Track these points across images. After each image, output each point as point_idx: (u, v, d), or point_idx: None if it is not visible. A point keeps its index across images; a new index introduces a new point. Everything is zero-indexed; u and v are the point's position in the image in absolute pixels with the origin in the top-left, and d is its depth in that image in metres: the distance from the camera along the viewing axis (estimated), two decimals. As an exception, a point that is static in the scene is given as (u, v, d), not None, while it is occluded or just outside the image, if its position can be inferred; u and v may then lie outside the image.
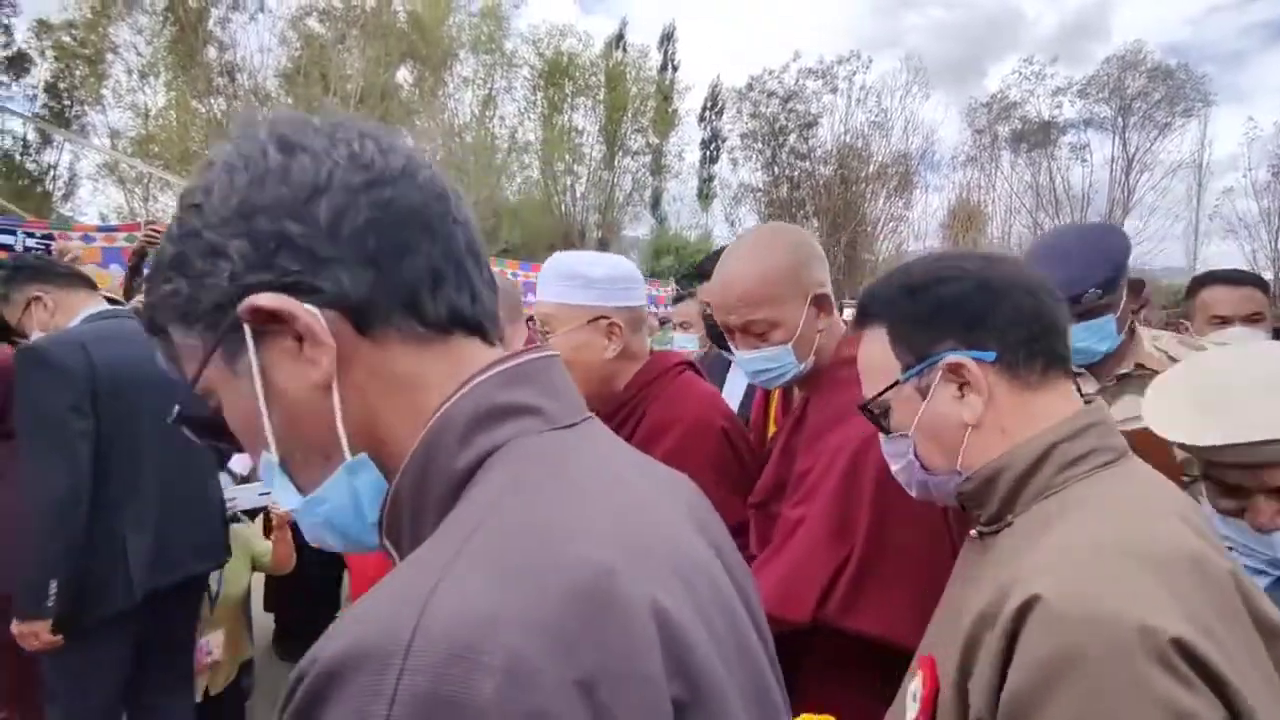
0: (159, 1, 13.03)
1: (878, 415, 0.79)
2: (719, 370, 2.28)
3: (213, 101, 13.08)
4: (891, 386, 0.75)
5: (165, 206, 13.77)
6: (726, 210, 20.01)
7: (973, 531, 0.76)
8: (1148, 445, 0.82)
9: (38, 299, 1.83)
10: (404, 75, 14.58)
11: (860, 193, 18.06)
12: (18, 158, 14.65)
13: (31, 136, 14.03)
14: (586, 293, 1.23)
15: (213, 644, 2.05)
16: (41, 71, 14.35)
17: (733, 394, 2.15)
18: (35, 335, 1.81)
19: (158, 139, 13.50)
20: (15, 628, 1.54)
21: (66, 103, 14.54)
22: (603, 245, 17.99)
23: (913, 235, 19.82)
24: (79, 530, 1.55)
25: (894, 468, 0.81)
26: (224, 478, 2.54)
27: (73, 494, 1.55)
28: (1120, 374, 1.31)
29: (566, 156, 17.75)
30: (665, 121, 19.38)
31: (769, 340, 1.11)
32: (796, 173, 18.39)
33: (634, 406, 1.28)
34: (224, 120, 12.73)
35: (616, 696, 0.29)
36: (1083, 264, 1.23)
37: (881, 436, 0.82)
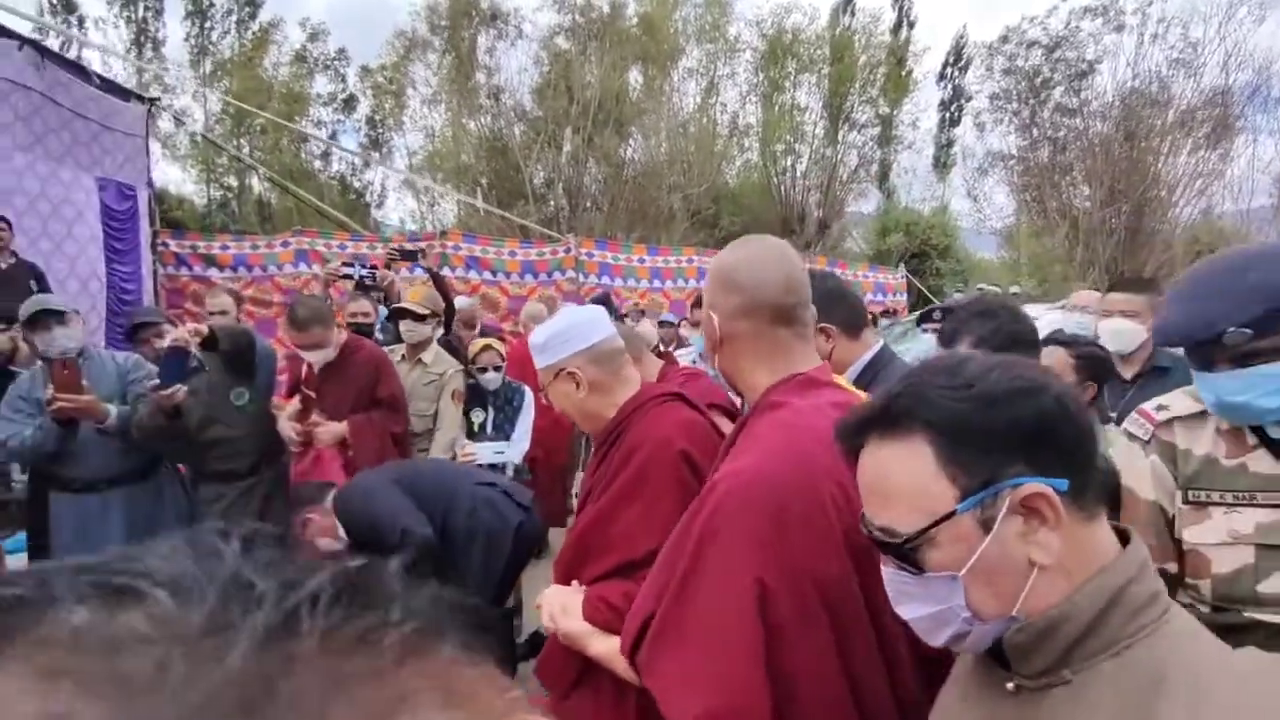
0: (442, 41, 15.57)
1: (905, 550, 0.64)
2: None
3: (481, 119, 15.40)
4: (946, 518, 0.61)
5: (446, 210, 16.55)
6: (969, 183, 17.81)
7: (1010, 684, 0.64)
8: None
9: (308, 520, 2.35)
10: (634, 77, 15.54)
11: (1151, 148, 14.72)
12: (348, 178, 18.65)
13: (358, 161, 17.79)
14: (541, 357, 1.43)
15: None
16: (363, 108, 18.14)
17: None
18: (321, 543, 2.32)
19: (440, 154, 16.22)
20: None
21: (380, 130, 18.22)
22: (823, 226, 17.30)
23: (1230, 195, 15.66)
24: None
25: (912, 612, 0.67)
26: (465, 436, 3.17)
27: None
28: None
29: (787, 136, 17.33)
30: (898, 88, 17.85)
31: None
32: (1062, 132, 15.57)
33: (618, 434, 1.38)
34: (490, 136, 14.92)
35: None
36: (1222, 297, 1.02)
37: (894, 572, 0.67)
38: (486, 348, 3.22)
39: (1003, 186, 16.86)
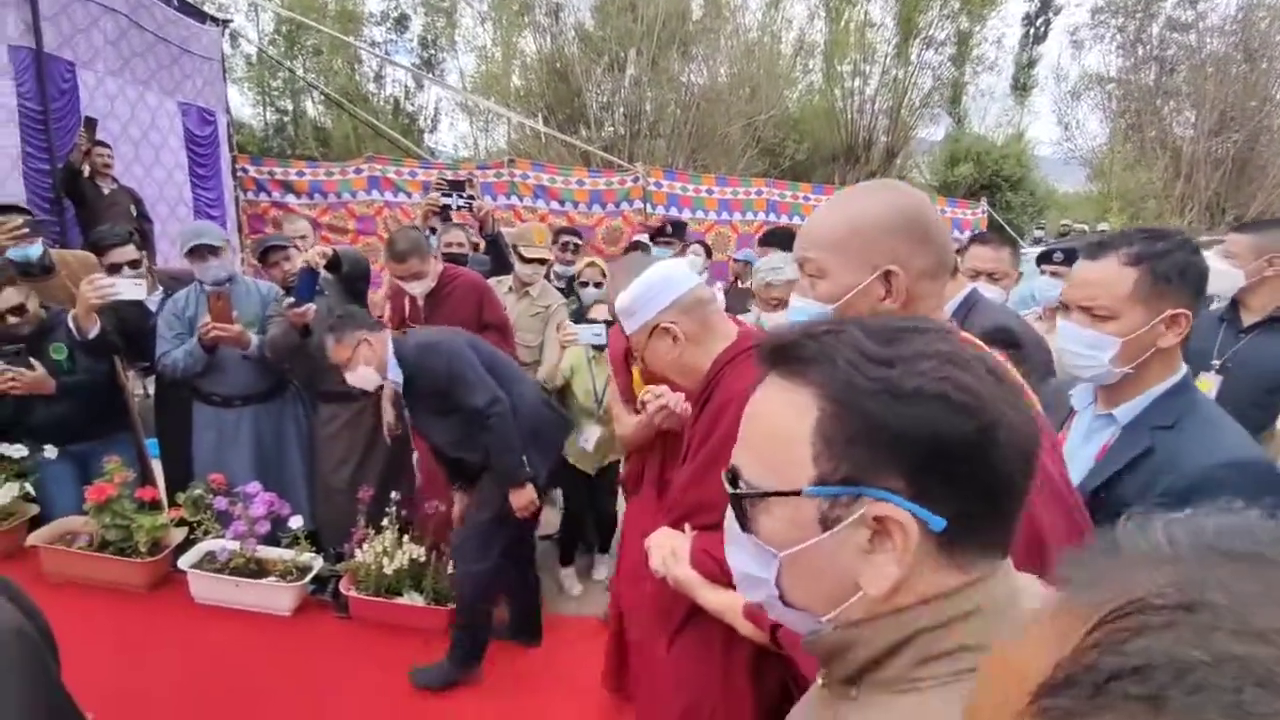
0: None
1: (741, 498, 0.57)
2: None
3: (541, 39, 14.88)
4: (788, 493, 0.53)
5: (501, 135, 16.32)
6: (1059, 109, 16.35)
7: (819, 679, 0.61)
8: None
9: (365, 341, 2.34)
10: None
11: (1274, 70, 13.11)
12: (401, 101, 18.46)
13: (410, 84, 17.55)
14: (633, 320, 1.42)
15: (590, 436, 3.07)
16: (415, 26, 17.72)
17: None
18: (361, 369, 2.33)
19: (494, 76, 15.84)
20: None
21: (432, 51, 17.84)
22: (889, 154, 16.41)
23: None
24: None
25: (732, 560, 0.60)
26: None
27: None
28: None
29: (854, 56, 16.20)
30: (982, 0, 16.36)
31: (815, 291, 1.00)
32: (1171, 50, 14.00)
33: (711, 386, 1.36)
34: (549, 57, 14.42)
35: None
36: None
37: (730, 521, 0.59)
38: (590, 264, 3.37)
39: (1097, 112, 15.44)
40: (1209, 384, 2.20)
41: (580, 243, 3.98)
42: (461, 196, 3.74)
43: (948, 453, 0.49)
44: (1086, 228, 9.64)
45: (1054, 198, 17.19)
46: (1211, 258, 2.42)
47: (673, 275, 1.43)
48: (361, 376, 2.37)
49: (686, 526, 1.37)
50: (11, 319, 2.60)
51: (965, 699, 0.45)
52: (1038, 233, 9.99)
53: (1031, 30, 18.22)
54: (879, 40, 16.39)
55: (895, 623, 0.52)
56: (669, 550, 1.33)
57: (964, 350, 0.52)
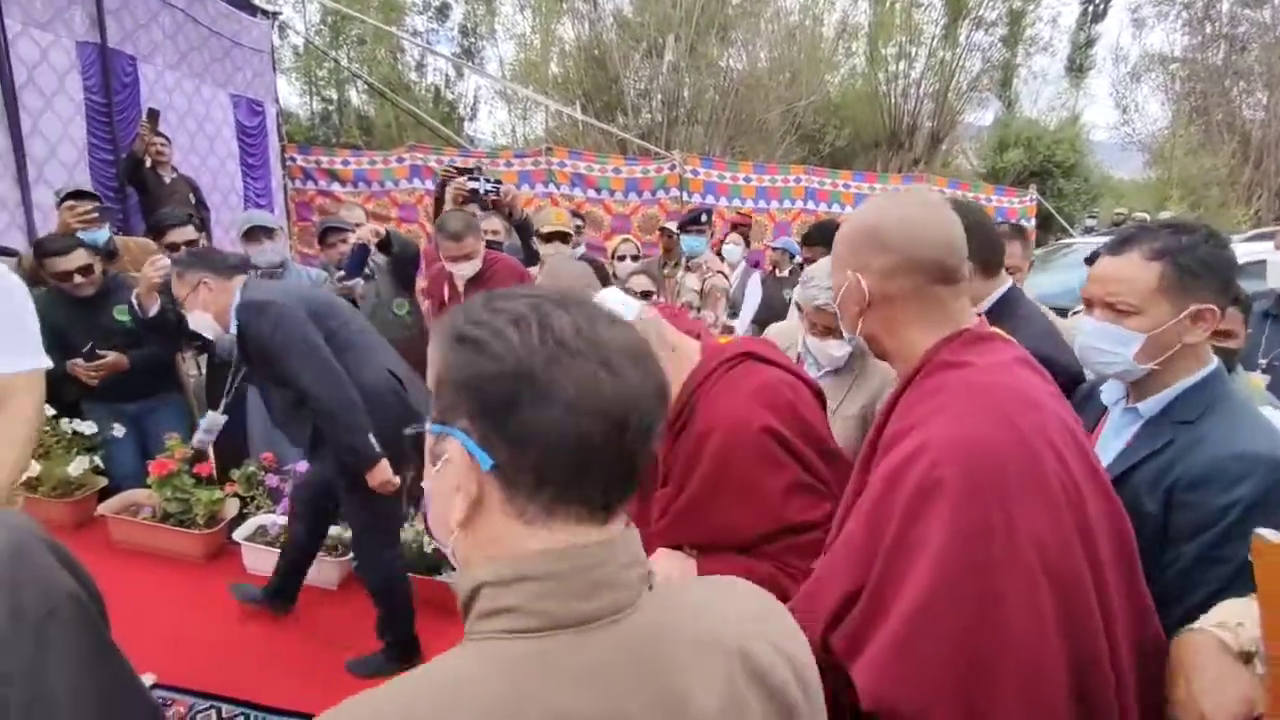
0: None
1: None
2: None
3: (577, 27, 14.87)
4: (420, 430, 0.62)
5: (539, 123, 16.40)
6: (1118, 91, 15.57)
7: None
8: None
9: (205, 284, 2.17)
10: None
11: (1350, 46, 12.30)
12: (441, 89, 18.70)
13: (451, 72, 17.75)
14: None
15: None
16: (456, 15, 17.88)
17: None
18: (197, 313, 2.19)
19: (533, 63, 15.91)
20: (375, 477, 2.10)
21: (472, 39, 18.00)
22: (934, 140, 15.92)
23: None
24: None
25: None
26: None
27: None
28: None
29: (899, 38, 15.69)
30: (1038, -25, 15.61)
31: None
32: (1242, 28, 13.19)
33: (688, 411, 1.28)
34: (587, 44, 14.41)
35: None
36: None
37: None
38: (625, 240, 3.44)
39: (1158, 94, 14.68)
40: (1259, 383, 2.12)
41: (583, 224, 4.05)
42: (489, 181, 3.74)
43: (488, 397, 0.53)
44: (1147, 216, 9.17)
45: (1109, 185, 16.43)
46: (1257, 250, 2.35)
47: (615, 307, 1.34)
48: (197, 321, 2.23)
49: (685, 548, 1.36)
50: (79, 278, 2.83)
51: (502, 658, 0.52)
52: (1089, 221, 9.54)
53: (1090, 8, 17.37)
54: (925, 21, 15.86)
55: (473, 574, 0.57)
56: (677, 572, 1.32)
57: (544, 315, 0.54)
